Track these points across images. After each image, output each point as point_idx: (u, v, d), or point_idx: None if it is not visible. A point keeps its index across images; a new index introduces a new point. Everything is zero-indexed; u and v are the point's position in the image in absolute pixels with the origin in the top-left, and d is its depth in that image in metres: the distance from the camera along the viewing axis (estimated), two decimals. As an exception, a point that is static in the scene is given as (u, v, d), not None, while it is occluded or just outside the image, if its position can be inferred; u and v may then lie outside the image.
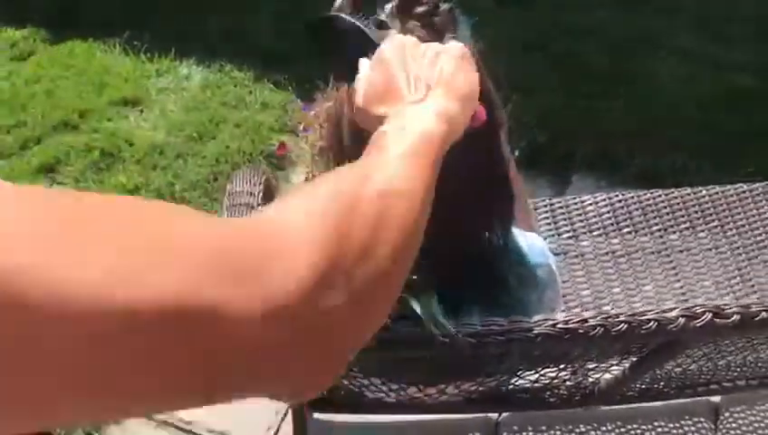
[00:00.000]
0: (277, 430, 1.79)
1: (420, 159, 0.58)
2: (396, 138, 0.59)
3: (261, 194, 1.35)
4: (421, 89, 0.66)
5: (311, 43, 0.84)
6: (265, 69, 2.96)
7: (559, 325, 0.86)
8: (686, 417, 1.63)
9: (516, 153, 1.05)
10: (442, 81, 0.67)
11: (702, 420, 1.63)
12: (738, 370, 1.38)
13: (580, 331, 0.86)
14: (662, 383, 1.41)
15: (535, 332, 0.86)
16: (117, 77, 3.04)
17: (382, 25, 0.84)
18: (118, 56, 3.16)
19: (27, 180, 2.55)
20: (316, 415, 1.66)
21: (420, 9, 0.82)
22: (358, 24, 0.80)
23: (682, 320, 0.85)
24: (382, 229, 0.49)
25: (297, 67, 2.89)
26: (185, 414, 1.84)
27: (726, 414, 1.64)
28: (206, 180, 2.48)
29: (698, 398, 1.46)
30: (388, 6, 0.85)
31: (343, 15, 0.80)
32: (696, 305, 0.86)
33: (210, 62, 3.05)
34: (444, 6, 0.83)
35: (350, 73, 0.77)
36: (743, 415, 1.65)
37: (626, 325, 0.85)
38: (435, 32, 0.81)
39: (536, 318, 0.88)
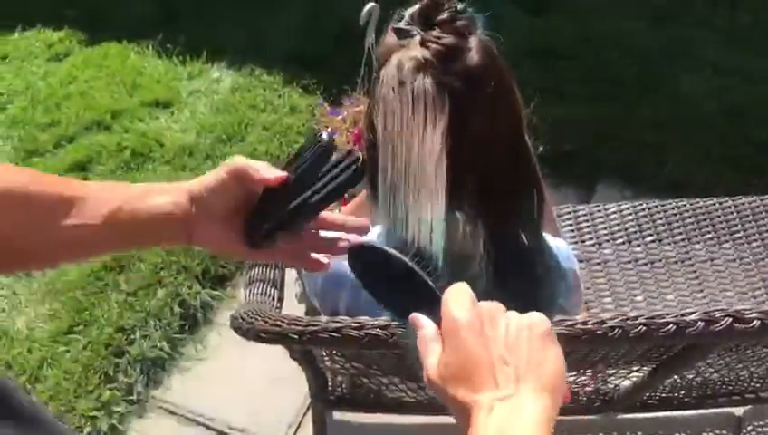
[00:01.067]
0: (298, 428, 1.81)
1: None
2: None
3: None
4: (510, 378, 0.58)
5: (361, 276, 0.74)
6: (294, 73, 3.00)
7: (577, 326, 0.86)
8: (708, 429, 1.61)
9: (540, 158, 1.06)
10: (531, 369, 0.59)
11: (724, 432, 1.62)
12: (761, 381, 1.37)
13: (599, 332, 0.86)
14: (682, 392, 1.40)
15: (553, 331, 0.86)
16: (149, 79, 3.10)
17: (403, 33, 0.85)
18: (151, 59, 3.23)
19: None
20: (336, 414, 1.68)
21: (442, 17, 0.83)
22: (413, 266, 0.68)
23: (701, 323, 0.85)
24: None
25: (325, 71, 2.93)
26: (207, 410, 1.87)
27: (750, 428, 1.62)
28: (233, 182, 2.51)
29: (720, 409, 1.45)
30: (408, 13, 0.86)
31: (398, 254, 0.69)
32: (715, 310, 0.86)
33: (241, 66, 3.10)
34: (463, 8, 0.84)
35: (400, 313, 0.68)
36: (767, 429, 1.63)
37: (644, 327, 0.85)
38: (458, 36, 0.82)
39: (554, 318, 0.88)
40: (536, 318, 0.63)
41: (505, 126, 0.86)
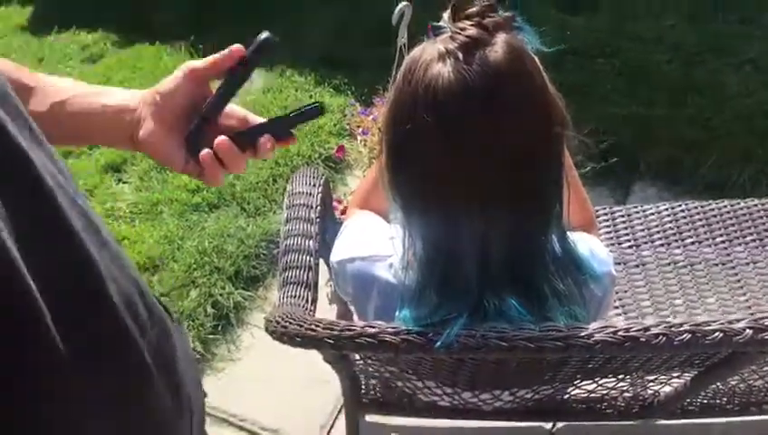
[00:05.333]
0: (330, 430, 1.80)
1: None
2: None
3: (320, 195, 1.36)
4: None
5: None
6: (325, 73, 2.99)
7: (620, 333, 0.84)
8: (752, 436, 1.57)
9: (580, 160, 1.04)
10: None
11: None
12: (807, 388, 1.33)
13: (642, 339, 0.84)
14: (725, 399, 1.36)
15: (595, 338, 0.84)
16: (182, 80, 3.11)
17: (437, 30, 0.85)
18: (183, 59, 3.23)
19: (95, 178, 2.64)
20: (368, 417, 1.67)
21: (471, 10, 0.82)
22: None
23: (749, 332, 0.82)
24: None
25: (356, 72, 2.92)
26: (239, 411, 1.87)
27: (793, 435, 1.58)
28: (265, 182, 2.51)
29: (765, 416, 1.41)
30: (445, 14, 0.85)
31: None
32: (765, 317, 0.83)
33: (272, 67, 3.10)
34: (503, 13, 0.83)
35: None
36: (811, 437, 1.58)
37: (689, 335, 0.83)
38: (486, 31, 0.81)
39: (596, 325, 0.86)
40: None
41: (532, 126, 0.84)
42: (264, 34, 0.77)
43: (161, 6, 3.69)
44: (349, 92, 2.87)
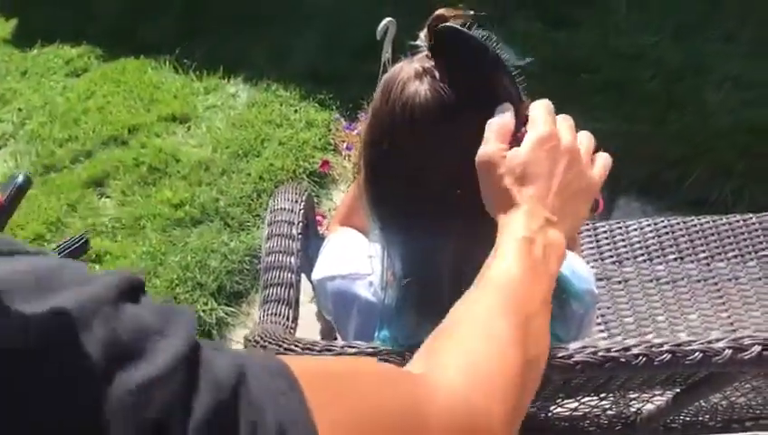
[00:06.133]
0: None
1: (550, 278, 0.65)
2: (540, 263, 0.64)
3: (302, 211, 1.35)
4: (555, 211, 0.67)
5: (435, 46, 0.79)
6: (310, 88, 2.99)
7: (600, 353, 0.84)
8: (733, 453, 1.57)
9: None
10: (569, 218, 0.68)
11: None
12: (789, 405, 1.33)
13: (622, 359, 0.83)
14: (707, 416, 1.36)
15: (575, 359, 0.84)
16: (166, 94, 3.11)
17: (414, 49, 0.84)
18: (168, 74, 3.24)
19: (77, 193, 2.62)
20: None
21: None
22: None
23: (729, 352, 0.82)
24: (530, 391, 0.60)
25: (342, 86, 2.92)
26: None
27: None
28: (249, 197, 2.51)
29: (747, 433, 1.41)
30: (422, 33, 0.85)
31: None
32: (744, 337, 0.83)
33: (257, 81, 3.10)
34: (479, 32, 0.83)
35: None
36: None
37: (670, 355, 0.83)
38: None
39: (576, 345, 0.86)
40: (595, 185, 0.71)
41: None
42: (20, 177, 0.83)
43: (146, 20, 3.68)
44: (334, 107, 2.87)
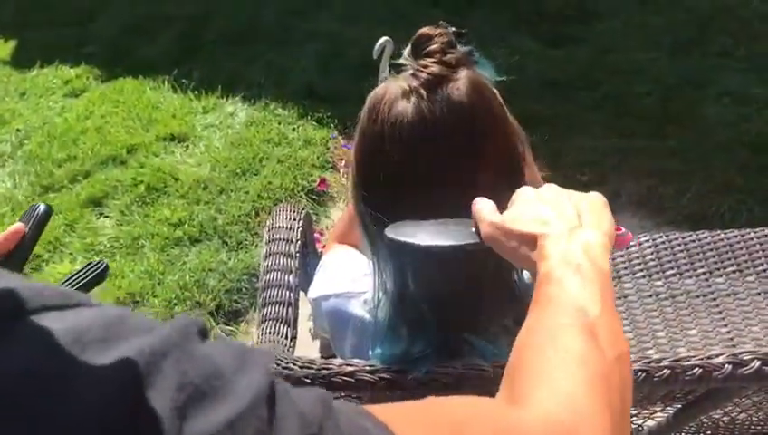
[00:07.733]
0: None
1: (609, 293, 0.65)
2: (584, 273, 0.63)
3: (300, 229, 1.36)
4: (574, 219, 0.68)
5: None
6: (308, 107, 3.01)
7: (599, 369, 0.83)
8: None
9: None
10: (593, 219, 0.69)
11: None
12: (791, 420, 1.32)
13: (621, 375, 0.83)
14: (708, 432, 1.35)
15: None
16: (165, 113, 3.12)
17: (398, 68, 0.85)
18: (166, 93, 3.25)
19: (75, 213, 2.62)
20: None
21: (432, 47, 0.82)
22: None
23: (728, 367, 0.82)
24: (626, 390, 0.59)
25: (339, 105, 2.93)
26: None
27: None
28: (248, 215, 2.51)
29: (748, 449, 1.40)
30: (406, 51, 0.86)
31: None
32: (743, 352, 0.82)
33: (255, 100, 3.11)
34: (462, 48, 0.83)
35: None
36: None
37: (669, 371, 0.82)
38: (448, 67, 0.81)
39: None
40: (594, 194, 0.72)
41: (496, 160, 0.83)
42: (41, 207, 0.85)
43: (144, 41, 3.71)
44: (332, 125, 2.88)
